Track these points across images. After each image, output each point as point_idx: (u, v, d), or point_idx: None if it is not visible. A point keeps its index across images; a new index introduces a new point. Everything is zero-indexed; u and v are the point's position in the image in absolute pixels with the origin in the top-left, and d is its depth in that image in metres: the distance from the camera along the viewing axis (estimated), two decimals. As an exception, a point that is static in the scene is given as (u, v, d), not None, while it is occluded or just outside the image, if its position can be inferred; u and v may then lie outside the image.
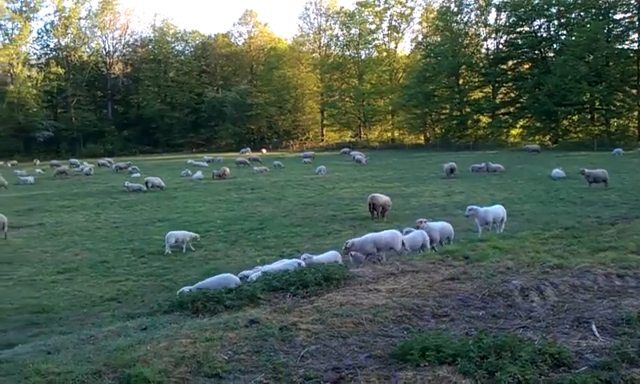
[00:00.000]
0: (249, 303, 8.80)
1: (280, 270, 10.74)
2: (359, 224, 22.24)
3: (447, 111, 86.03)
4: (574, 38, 71.84)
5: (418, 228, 16.20)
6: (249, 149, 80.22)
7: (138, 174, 48.46)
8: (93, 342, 7.48)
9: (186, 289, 11.56)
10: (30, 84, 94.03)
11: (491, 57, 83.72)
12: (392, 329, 7.45)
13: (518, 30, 79.99)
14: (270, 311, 8.19)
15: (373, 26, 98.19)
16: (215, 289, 10.42)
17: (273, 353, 6.57)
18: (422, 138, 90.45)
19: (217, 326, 7.52)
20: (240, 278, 11.88)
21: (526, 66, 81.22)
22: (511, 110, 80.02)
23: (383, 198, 23.80)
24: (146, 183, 38.35)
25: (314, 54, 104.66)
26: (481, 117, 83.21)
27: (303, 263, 12.35)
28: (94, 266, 17.75)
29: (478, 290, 8.99)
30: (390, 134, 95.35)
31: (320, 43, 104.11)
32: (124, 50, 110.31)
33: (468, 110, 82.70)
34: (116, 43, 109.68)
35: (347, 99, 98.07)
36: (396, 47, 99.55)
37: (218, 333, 7.15)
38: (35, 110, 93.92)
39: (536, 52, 79.32)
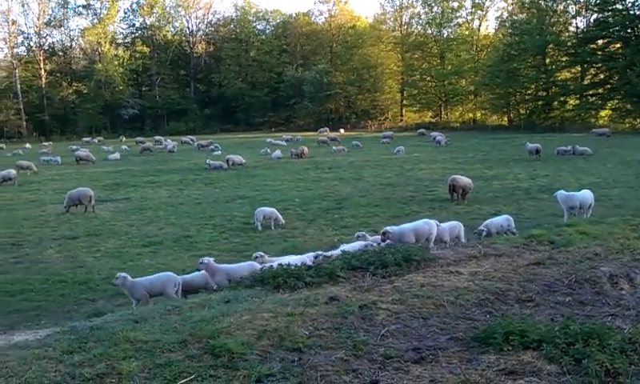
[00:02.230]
0: (328, 281, 8.81)
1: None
2: (439, 206, 21.97)
3: (532, 91, 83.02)
4: (670, 16, 67.88)
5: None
6: (327, 128, 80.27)
7: (219, 152, 49.42)
8: (178, 312, 7.68)
9: (121, 274, 11.67)
10: (116, 62, 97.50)
11: (580, 36, 79.99)
12: (474, 312, 7.32)
13: (609, 8, 76.06)
14: (349, 289, 8.19)
15: (456, 4, 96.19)
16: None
17: (353, 330, 6.58)
18: (506, 119, 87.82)
19: (297, 301, 7.58)
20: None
21: (617, 46, 77.09)
22: (600, 91, 76.31)
23: (464, 180, 23.36)
24: (227, 161, 39.08)
25: (394, 33, 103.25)
26: (568, 98, 80.00)
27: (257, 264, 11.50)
28: (178, 240, 18.27)
29: (565, 275, 8.71)
30: (471, 115, 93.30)
31: (401, 21, 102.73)
32: (206, 30, 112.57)
33: (555, 90, 79.63)
34: (199, 22, 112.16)
35: (428, 79, 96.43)
36: (479, 25, 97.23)
37: (299, 308, 7.21)
38: (121, 88, 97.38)
39: (628, 31, 74.97)
